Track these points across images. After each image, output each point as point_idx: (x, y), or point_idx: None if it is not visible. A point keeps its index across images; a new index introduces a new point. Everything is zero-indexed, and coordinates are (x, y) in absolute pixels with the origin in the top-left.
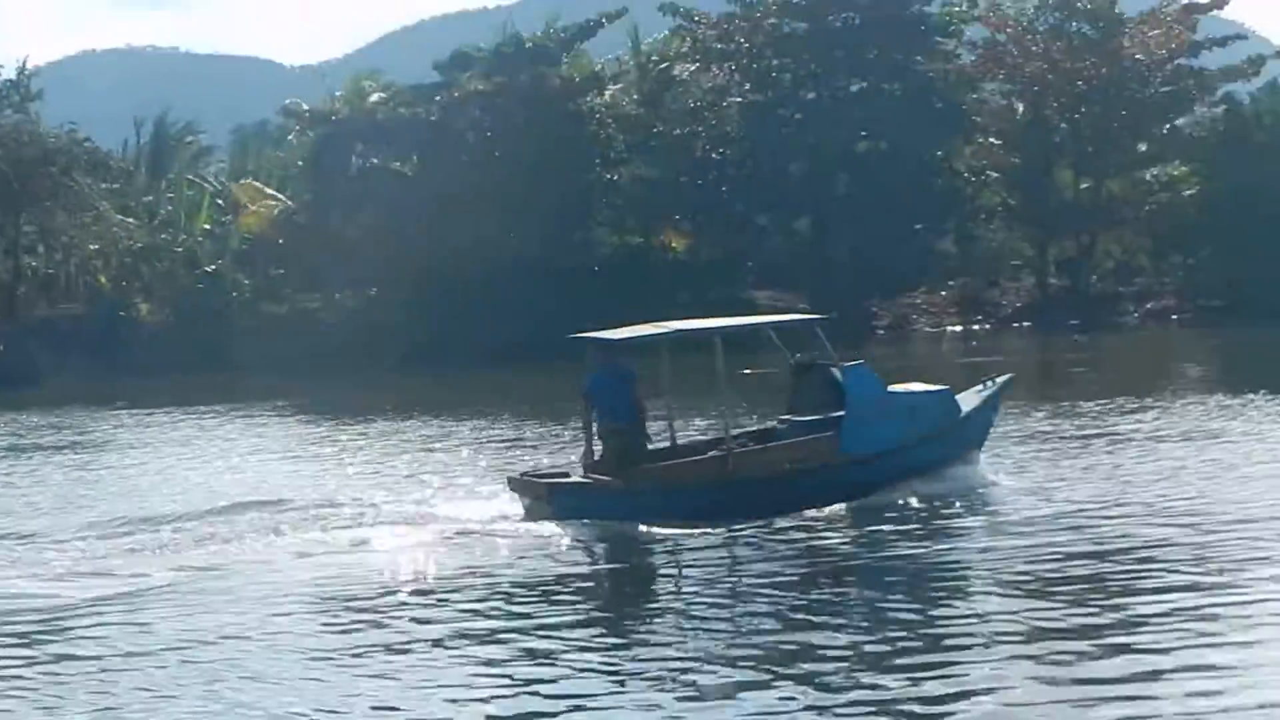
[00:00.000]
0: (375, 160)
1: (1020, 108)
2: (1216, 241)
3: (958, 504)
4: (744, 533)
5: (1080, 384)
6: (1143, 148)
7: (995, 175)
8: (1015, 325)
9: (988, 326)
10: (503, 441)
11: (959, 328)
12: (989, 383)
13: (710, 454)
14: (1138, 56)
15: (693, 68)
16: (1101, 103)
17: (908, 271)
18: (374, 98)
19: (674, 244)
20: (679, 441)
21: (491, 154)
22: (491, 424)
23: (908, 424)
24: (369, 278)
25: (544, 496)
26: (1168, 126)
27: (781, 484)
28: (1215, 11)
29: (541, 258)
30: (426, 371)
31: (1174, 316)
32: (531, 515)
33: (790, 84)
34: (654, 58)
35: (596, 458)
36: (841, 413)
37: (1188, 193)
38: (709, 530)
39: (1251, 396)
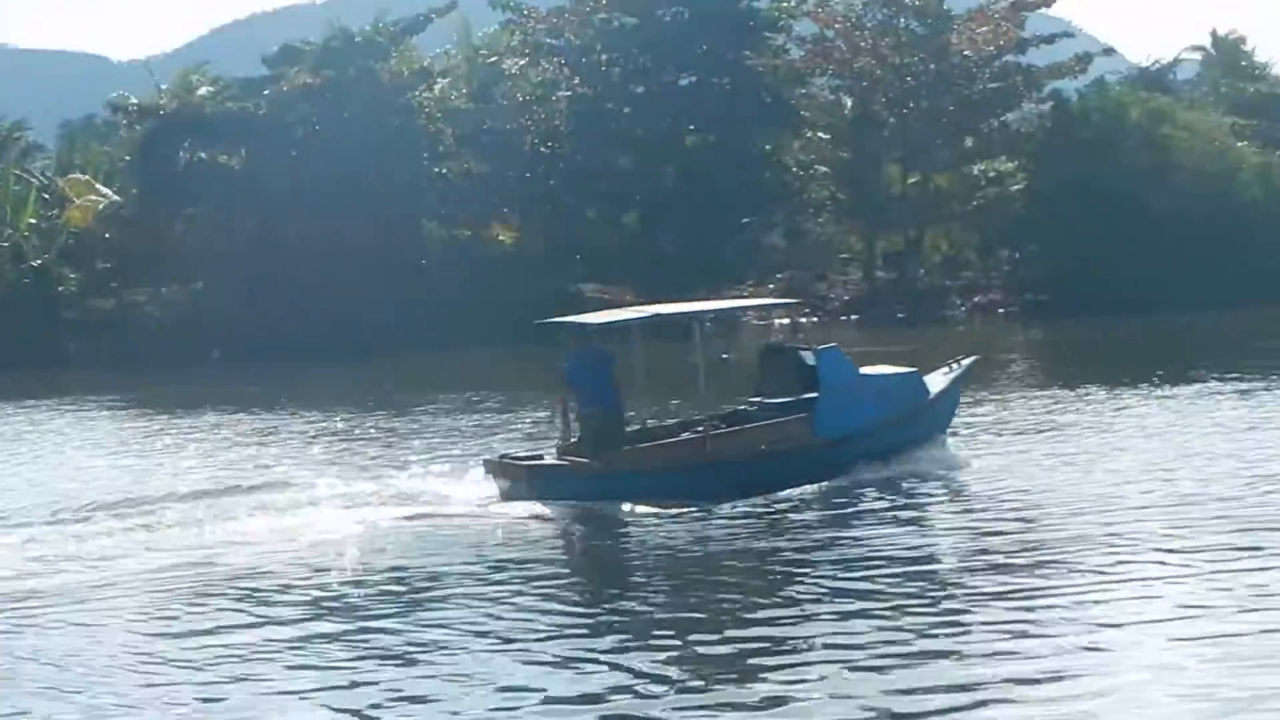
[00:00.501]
0: (203, 155)
1: (849, 103)
2: (1043, 236)
3: (927, 485)
4: (720, 514)
5: None
6: (970, 143)
7: (823, 169)
8: (843, 318)
9: (815, 319)
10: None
11: (787, 320)
12: (954, 365)
13: (686, 436)
14: (966, 53)
15: (522, 62)
16: (929, 98)
17: (736, 264)
18: (202, 91)
19: (502, 237)
20: (649, 424)
21: (320, 148)
22: (331, 418)
23: (879, 406)
24: (197, 272)
25: (524, 479)
26: (995, 122)
27: (757, 466)
28: (1043, 9)
29: (370, 252)
30: (255, 366)
31: (1000, 310)
32: (510, 497)
33: (619, 78)
34: (483, 52)
35: (574, 440)
36: (812, 395)
37: (1015, 188)
38: (687, 511)
39: (1074, 389)
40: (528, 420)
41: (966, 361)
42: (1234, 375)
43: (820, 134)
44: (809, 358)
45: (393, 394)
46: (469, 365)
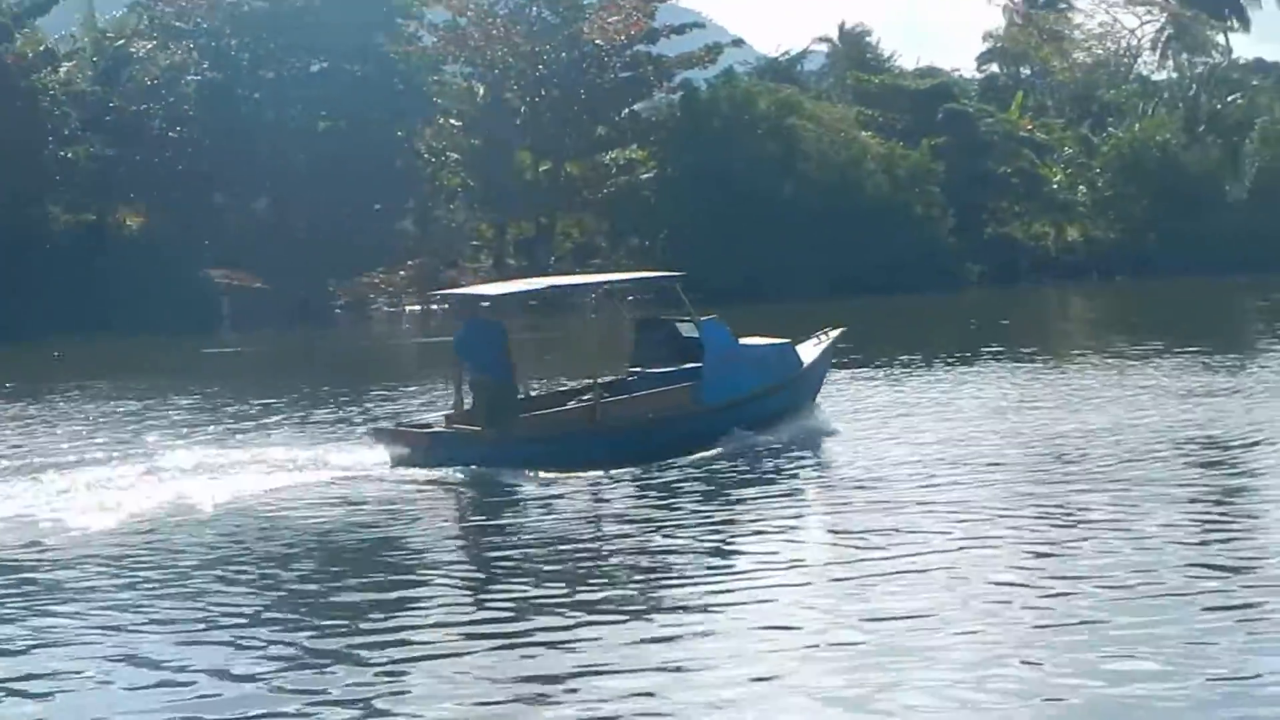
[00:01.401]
0: None
1: (481, 90)
2: (672, 224)
3: (801, 450)
4: (608, 480)
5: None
6: (601, 132)
7: (455, 156)
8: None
9: (446, 307)
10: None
11: (418, 308)
12: (822, 336)
13: (574, 404)
14: (597, 42)
15: (150, 45)
16: (561, 86)
17: (367, 251)
18: None
19: (129, 222)
20: (534, 393)
21: None
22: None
23: (759, 374)
24: None
25: (417, 446)
26: (626, 111)
27: (644, 433)
28: (673, 0)
29: None
30: None
31: (630, 298)
32: (404, 463)
33: (249, 63)
34: (110, 35)
35: (466, 409)
36: (693, 365)
37: (645, 176)
38: (577, 477)
39: None
40: (173, 409)
41: (834, 333)
42: None
43: (452, 121)
44: (687, 329)
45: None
46: (86, 352)
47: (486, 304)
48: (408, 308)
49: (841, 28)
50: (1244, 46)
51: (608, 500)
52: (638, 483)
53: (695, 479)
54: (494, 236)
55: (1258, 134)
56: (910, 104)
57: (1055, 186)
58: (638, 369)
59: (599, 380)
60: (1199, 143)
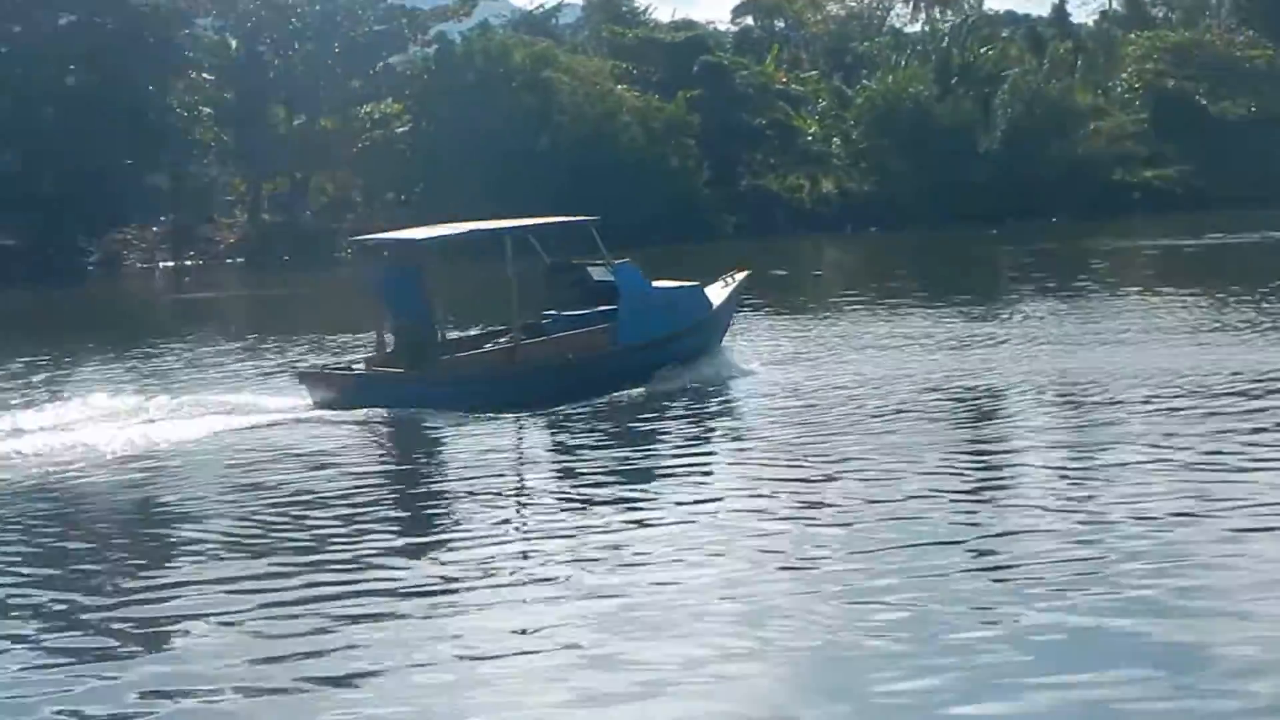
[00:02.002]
0: None
1: (234, 43)
2: (429, 179)
3: (714, 389)
4: (530, 420)
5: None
6: (356, 85)
7: (208, 111)
8: (229, 261)
9: (201, 262)
10: None
11: (171, 264)
12: (729, 279)
13: (491, 346)
14: None
15: None
16: (315, 40)
17: (119, 207)
18: None
19: None
20: (450, 336)
21: None
22: None
23: (672, 316)
24: None
25: (340, 388)
26: (381, 65)
27: (564, 373)
28: None
29: None
30: None
31: (386, 253)
32: (325, 406)
33: None
34: None
35: (388, 351)
36: (605, 308)
37: (400, 130)
38: (497, 417)
39: None
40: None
41: (740, 277)
42: None
43: (205, 75)
44: (598, 273)
45: None
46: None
47: (408, 248)
48: (161, 264)
49: None
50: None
51: (521, 440)
52: (553, 424)
53: (607, 418)
54: (248, 192)
55: (1008, 86)
56: (665, 57)
57: (810, 139)
58: (551, 312)
59: (517, 324)
60: (951, 95)
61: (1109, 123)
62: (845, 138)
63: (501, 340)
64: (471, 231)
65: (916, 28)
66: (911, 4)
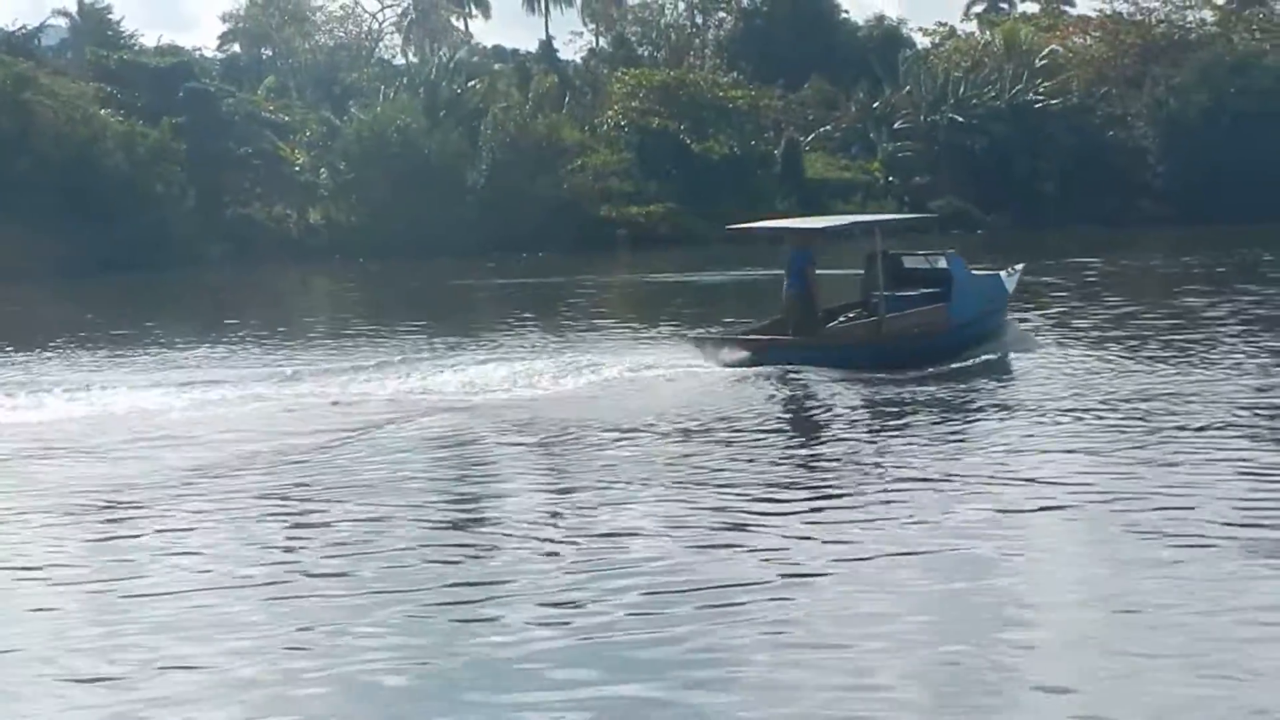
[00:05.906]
0: None
1: None
2: None
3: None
4: (894, 380)
5: None
6: None
7: None
8: None
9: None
10: None
11: None
12: (1013, 269)
13: (843, 320)
14: None
15: None
16: None
17: None
18: None
19: None
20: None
21: None
22: None
23: (984, 299)
24: None
25: (754, 350)
26: None
27: (917, 343)
28: None
29: None
30: None
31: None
32: (730, 365)
33: None
34: None
35: (765, 323)
36: (925, 290)
37: None
38: (872, 377)
39: None
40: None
41: (1019, 267)
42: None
43: None
44: (910, 261)
45: None
46: None
47: (805, 235)
48: None
49: (81, 3)
50: (485, 34)
51: (883, 397)
52: (919, 380)
53: (941, 383)
54: None
55: (491, 120)
56: (151, 82)
57: (298, 169)
58: (876, 294)
59: (882, 303)
60: (440, 128)
61: (595, 159)
62: (333, 168)
63: (850, 315)
64: (854, 223)
65: (406, 60)
66: (402, 36)
